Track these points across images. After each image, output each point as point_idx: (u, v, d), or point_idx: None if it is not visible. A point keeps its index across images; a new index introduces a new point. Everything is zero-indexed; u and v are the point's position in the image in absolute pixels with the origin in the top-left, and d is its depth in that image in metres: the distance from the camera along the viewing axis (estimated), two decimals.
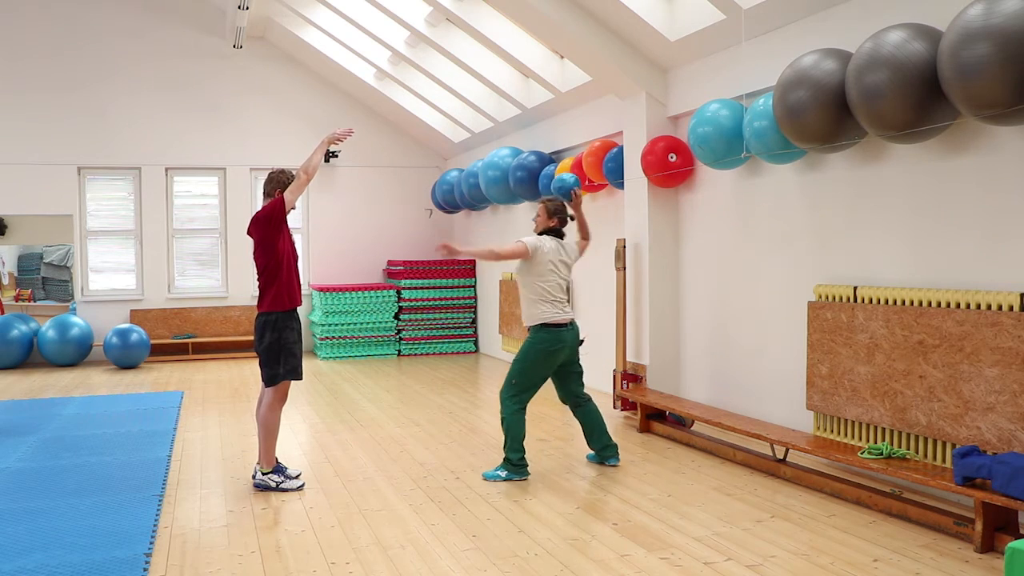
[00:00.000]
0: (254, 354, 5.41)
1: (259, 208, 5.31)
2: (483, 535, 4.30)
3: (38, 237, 14.16)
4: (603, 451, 5.62)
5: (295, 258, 5.34)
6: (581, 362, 5.71)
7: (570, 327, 5.49)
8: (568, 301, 5.58)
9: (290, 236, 5.31)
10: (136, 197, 11.91)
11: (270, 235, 5.16)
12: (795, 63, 5.00)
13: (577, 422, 5.79)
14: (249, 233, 5.26)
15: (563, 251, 5.58)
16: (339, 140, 5.29)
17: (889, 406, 4.83)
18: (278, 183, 5.25)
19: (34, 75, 11.38)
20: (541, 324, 5.42)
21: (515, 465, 5.31)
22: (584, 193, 8.37)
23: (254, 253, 5.26)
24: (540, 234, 5.61)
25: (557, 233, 5.63)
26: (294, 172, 5.36)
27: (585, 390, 5.69)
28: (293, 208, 5.23)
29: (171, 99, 11.88)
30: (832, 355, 5.24)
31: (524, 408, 5.40)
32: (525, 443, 5.44)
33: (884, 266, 5.10)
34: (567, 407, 5.80)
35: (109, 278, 11.92)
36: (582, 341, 5.63)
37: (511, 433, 5.32)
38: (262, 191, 5.37)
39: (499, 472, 5.34)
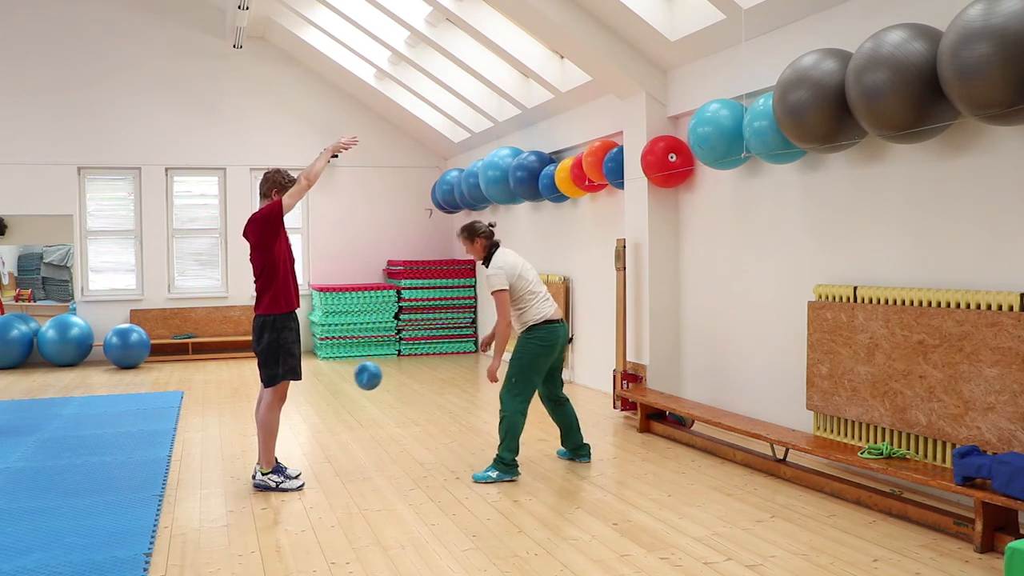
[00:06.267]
0: (254, 354, 5.39)
1: (256, 210, 5.29)
2: (483, 535, 4.30)
3: (38, 237, 14.15)
4: (577, 450, 5.76)
5: (292, 261, 5.31)
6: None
7: (562, 324, 5.56)
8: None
9: (287, 239, 5.28)
10: (136, 197, 11.91)
11: (267, 238, 5.14)
12: (795, 63, 5.00)
13: (573, 421, 5.80)
14: (245, 235, 5.23)
15: (517, 255, 5.61)
16: (343, 149, 5.27)
17: (889, 406, 4.83)
18: (274, 183, 5.23)
19: (34, 75, 11.38)
20: (539, 323, 5.41)
21: (507, 465, 5.29)
22: (584, 193, 8.39)
23: (251, 255, 5.23)
24: (488, 256, 5.54)
25: (495, 244, 5.61)
26: (290, 172, 5.35)
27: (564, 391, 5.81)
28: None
29: (171, 99, 11.88)
30: (832, 355, 5.24)
31: (526, 407, 5.42)
32: (526, 440, 5.45)
33: (884, 266, 5.10)
34: (552, 407, 5.81)
35: (109, 278, 11.92)
36: (570, 339, 5.67)
37: (512, 432, 5.30)
38: (258, 191, 5.35)
39: (490, 473, 5.29)
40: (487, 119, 10.38)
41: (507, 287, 5.38)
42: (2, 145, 11.28)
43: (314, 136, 12.18)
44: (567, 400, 5.77)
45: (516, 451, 5.32)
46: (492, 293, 5.42)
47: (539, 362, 5.41)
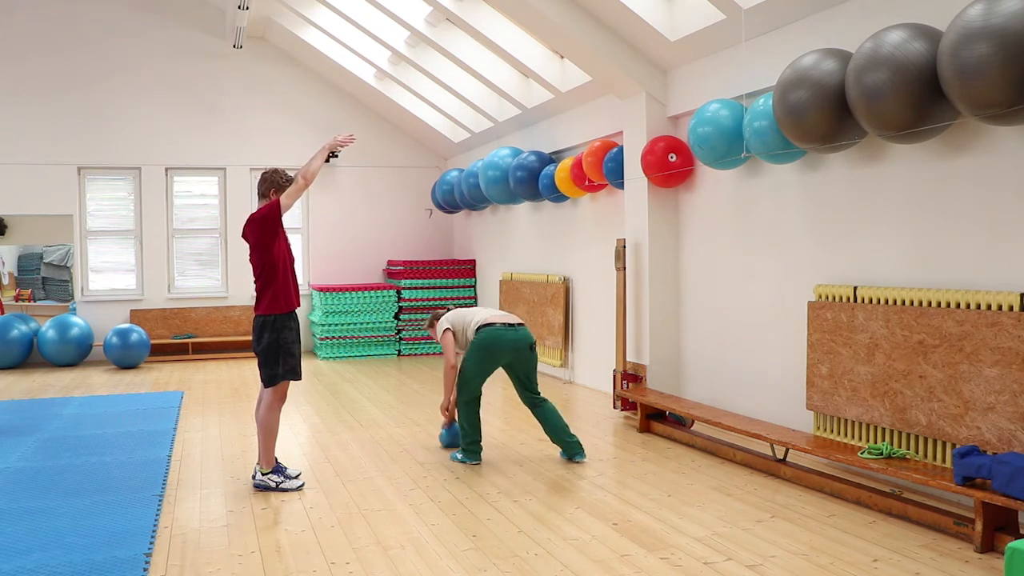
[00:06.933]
0: (254, 354, 5.40)
1: (254, 210, 5.29)
2: (483, 535, 4.30)
3: (38, 237, 14.15)
4: (568, 447, 5.78)
5: (291, 260, 5.31)
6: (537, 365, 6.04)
7: (511, 328, 5.77)
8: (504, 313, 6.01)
9: (286, 238, 5.27)
10: (136, 197, 11.91)
11: (266, 238, 5.13)
12: (795, 63, 5.00)
13: (554, 421, 5.85)
14: (244, 236, 5.23)
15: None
16: (340, 146, 5.26)
17: (889, 406, 4.83)
18: (272, 183, 5.22)
19: (34, 75, 11.38)
20: (475, 329, 5.80)
21: (463, 450, 5.78)
22: (584, 193, 8.39)
23: (250, 256, 5.23)
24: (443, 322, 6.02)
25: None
26: (288, 172, 5.35)
27: (540, 393, 5.91)
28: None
29: (171, 99, 11.88)
30: (832, 355, 5.24)
31: (474, 400, 5.78)
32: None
33: (884, 266, 5.10)
34: (531, 410, 5.95)
35: (109, 278, 11.92)
36: (532, 345, 5.83)
37: (461, 424, 5.79)
38: (256, 191, 5.35)
39: (456, 454, 5.84)
40: (487, 119, 10.38)
41: (450, 326, 5.92)
42: (2, 145, 11.28)
43: (314, 136, 12.17)
44: (544, 401, 5.85)
45: (469, 438, 5.73)
46: (439, 340, 5.98)
47: (478, 362, 5.72)
